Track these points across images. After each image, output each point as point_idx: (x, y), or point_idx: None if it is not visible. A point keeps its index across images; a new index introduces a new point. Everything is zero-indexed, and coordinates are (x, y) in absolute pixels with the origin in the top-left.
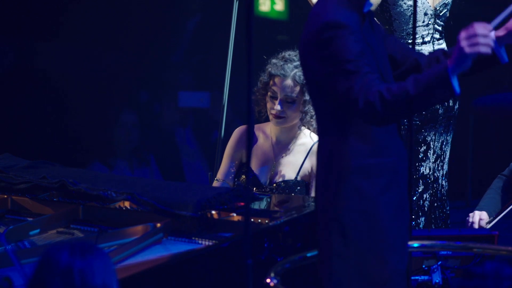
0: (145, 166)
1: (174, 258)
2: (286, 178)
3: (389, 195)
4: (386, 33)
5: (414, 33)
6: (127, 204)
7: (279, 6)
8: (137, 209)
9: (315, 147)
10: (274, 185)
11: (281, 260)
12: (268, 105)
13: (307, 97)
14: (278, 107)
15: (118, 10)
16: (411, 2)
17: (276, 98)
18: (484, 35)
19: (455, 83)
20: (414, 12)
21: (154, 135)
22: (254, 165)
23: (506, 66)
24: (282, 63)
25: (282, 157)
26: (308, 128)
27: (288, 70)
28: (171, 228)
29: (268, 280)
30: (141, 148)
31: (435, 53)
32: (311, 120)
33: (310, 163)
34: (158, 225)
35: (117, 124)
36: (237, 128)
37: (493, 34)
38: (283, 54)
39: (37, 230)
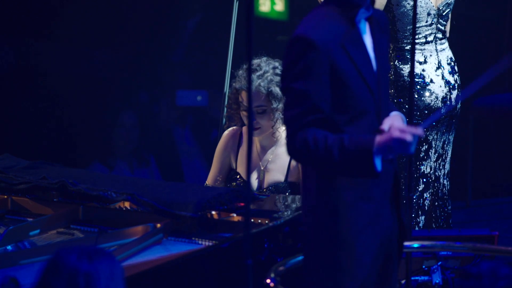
0: (145, 166)
1: (174, 259)
2: (275, 182)
3: (360, 210)
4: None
5: (414, 33)
6: (127, 204)
7: (279, 6)
8: (137, 210)
9: None
10: (264, 190)
11: (281, 261)
12: (243, 117)
13: (274, 104)
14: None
15: (117, 10)
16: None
17: (247, 111)
18: (410, 142)
19: (378, 163)
20: (414, 13)
21: (154, 135)
22: (243, 172)
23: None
24: (245, 75)
25: (269, 162)
26: None
27: (252, 81)
28: (171, 228)
29: (268, 281)
30: (140, 148)
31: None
32: None
33: (296, 162)
34: (158, 225)
35: (116, 125)
36: (226, 131)
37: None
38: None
39: (37, 231)
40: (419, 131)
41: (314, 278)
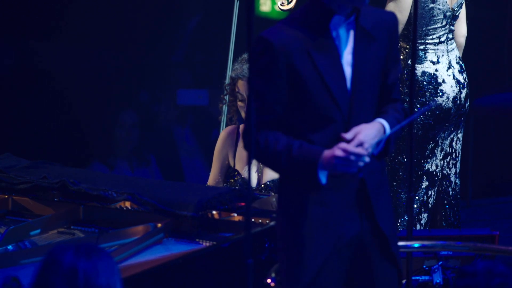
0: (145, 166)
1: (175, 259)
2: (273, 178)
3: (310, 214)
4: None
5: (415, 34)
6: (127, 204)
7: None
8: (138, 209)
9: None
10: (262, 185)
11: None
12: (239, 108)
13: None
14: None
15: (118, 9)
16: (433, 5)
17: (244, 101)
18: (358, 155)
19: (322, 176)
20: (415, 14)
21: (154, 135)
22: (240, 168)
23: (506, 66)
24: (241, 64)
25: None
26: None
27: (248, 70)
28: (172, 228)
29: (268, 280)
30: (141, 147)
31: (386, 109)
32: None
33: None
34: (159, 225)
35: (117, 124)
36: (224, 129)
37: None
38: (243, 56)
39: (38, 230)
40: (363, 152)
41: (281, 275)
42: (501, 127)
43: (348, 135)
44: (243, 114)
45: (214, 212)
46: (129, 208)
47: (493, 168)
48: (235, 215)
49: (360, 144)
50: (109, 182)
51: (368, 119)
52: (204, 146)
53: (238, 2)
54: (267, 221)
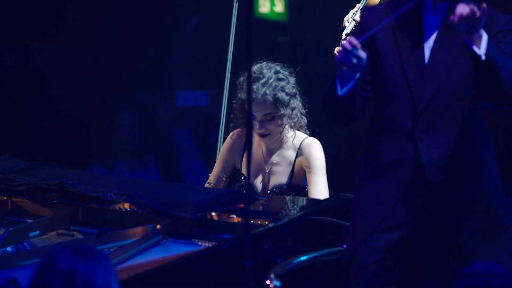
0: (144, 167)
1: (174, 260)
2: (280, 184)
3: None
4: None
5: None
6: (126, 205)
7: (279, 7)
8: (137, 211)
9: (302, 146)
10: (269, 191)
11: (281, 262)
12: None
13: (282, 110)
14: (260, 129)
15: (117, 10)
16: None
17: (256, 119)
18: (347, 49)
19: (338, 84)
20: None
21: (153, 136)
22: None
23: None
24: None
25: (274, 164)
26: (298, 129)
27: (257, 90)
28: (171, 229)
29: (268, 282)
30: (140, 149)
31: None
32: (297, 122)
33: (300, 163)
34: (158, 226)
35: (116, 125)
36: (233, 132)
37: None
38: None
39: (37, 232)
40: (354, 43)
41: None
42: (500, 131)
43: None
44: (255, 131)
45: (213, 213)
46: (128, 209)
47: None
48: (234, 216)
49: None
50: (108, 183)
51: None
52: (203, 147)
53: (237, 3)
54: (266, 223)
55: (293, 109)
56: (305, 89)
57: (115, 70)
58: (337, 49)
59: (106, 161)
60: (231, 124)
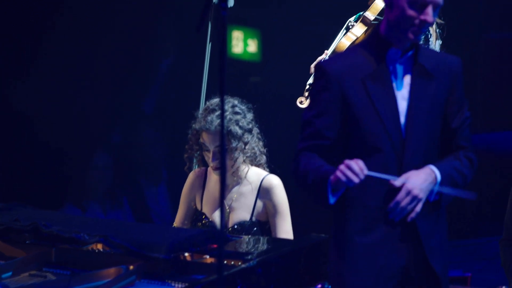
0: (117, 208)
1: None
2: (241, 220)
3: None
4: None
5: None
6: (100, 246)
7: (252, 48)
8: (110, 252)
9: (264, 184)
10: (230, 229)
11: None
12: (206, 157)
13: (234, 143)
14: (213, 161)
15: (90, 51)
16: None
17: (209, 151)
18: (355, 172)
19: (330, 196)
20: None
21: (127, 177)
22: (208, 211)
23: (479, 104)
24: (205, 115)
25: (233, 200)
26: (257, 165)
27: (212, 121)
28: (144, 270)
29: None
30: (114, 189)
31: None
32: (254, 158)
33: (262, 201)
34: (131, 267)
35: (90, 167)
36: (192, 172)
37: (365, 171)
38: (206, 105)
39: (9, 273)
40: (364, 169)
41: None
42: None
43: (396, 182)
44: (209, 163)
45: (186, 254)
46: (101, 250)
47: (465, 210)
48: (208, 257)
49: (408, 193)
50: (81, 224)
51: (425, 158)
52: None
53: (211, 43)
54: (240, 263)
55: (246, 144)
56: (278, 128)
57: (90, 110)
58: (299, 99)
59: (79, 201)
60: (185, 155)
